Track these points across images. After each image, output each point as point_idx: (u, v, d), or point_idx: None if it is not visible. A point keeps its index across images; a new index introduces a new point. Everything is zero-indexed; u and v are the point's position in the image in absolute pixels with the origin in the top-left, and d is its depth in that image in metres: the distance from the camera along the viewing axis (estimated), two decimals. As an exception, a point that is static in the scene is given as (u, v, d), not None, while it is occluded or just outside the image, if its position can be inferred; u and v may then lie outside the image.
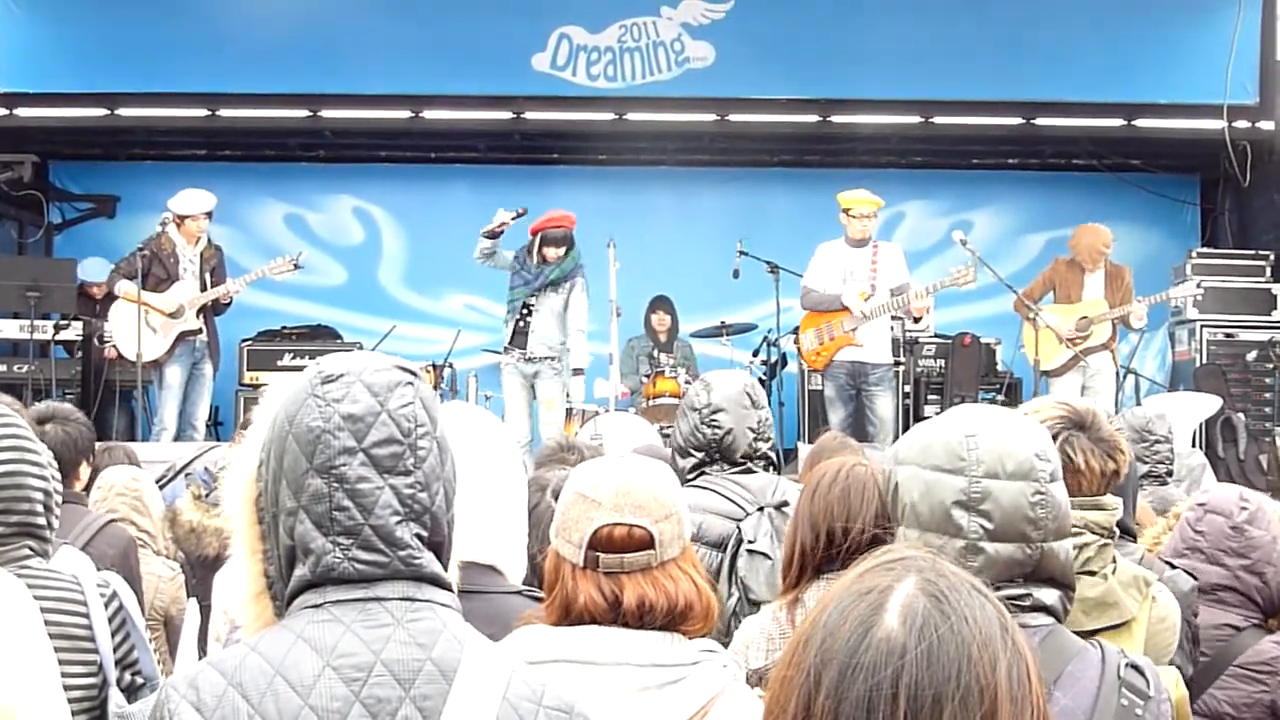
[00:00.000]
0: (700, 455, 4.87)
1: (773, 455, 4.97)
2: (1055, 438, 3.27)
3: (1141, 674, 2.59)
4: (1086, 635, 3.08)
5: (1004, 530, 2.57)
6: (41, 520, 3.23)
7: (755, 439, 4.87)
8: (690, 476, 4.83)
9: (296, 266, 11.65)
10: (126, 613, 3.25)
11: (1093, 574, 3.22)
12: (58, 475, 3.36)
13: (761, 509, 4.47)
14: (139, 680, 3.23)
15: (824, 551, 3.73)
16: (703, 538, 4.51)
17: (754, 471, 4.84)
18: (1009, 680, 1.50)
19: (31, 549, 3.19)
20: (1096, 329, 11.24)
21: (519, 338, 11.16)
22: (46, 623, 3.04)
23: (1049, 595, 2.64)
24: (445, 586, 2.15)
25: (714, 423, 4.83)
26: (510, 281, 11.24)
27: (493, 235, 11.05)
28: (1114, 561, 3.33)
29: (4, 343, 12.84)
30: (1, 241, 14.20)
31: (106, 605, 3.18)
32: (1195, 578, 4.01)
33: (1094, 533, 3.24)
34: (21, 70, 13.56)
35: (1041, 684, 1.56)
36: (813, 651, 1.54)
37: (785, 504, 4.42)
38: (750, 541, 4.34)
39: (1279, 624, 4.31)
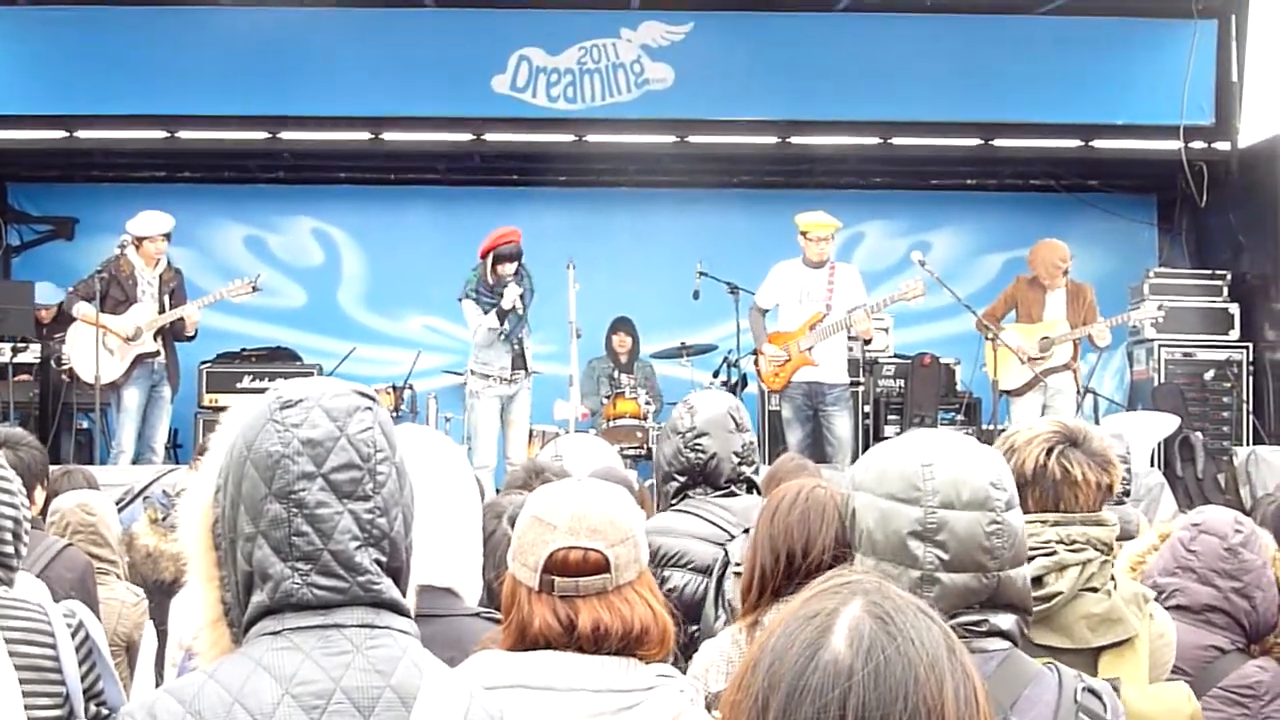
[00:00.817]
0: (684, 479, 4.81)
1: (755, 478, 4.91)
2: (1050, 453, 3.31)
3: (1099, 698, 2.59)
4: (1093, 653, 3.11)
5: (960, 560, 2.57)
6: (10, 549, 3.22)
7: (740, 463, 4.82)
8: (674, 500, 4.78)
9: (255, 289, 11.58)
10: (93, 643, 3.21)
11: (1095, 590, 3.24)
12: (26, 503, 3.35)
13: (747, 531, 4.39)
14: (104, 711, 3.20)
15: (783, 574, 3.73)
16: (689, 564, 4.47)
17: (737, 495, 4.79)
18: (956, 701, 1.51)
19: None
20: (1058, 349, 11.26)
21: (520, 360, 11.08)
22: (12, 654, 3.01)
23: (1005, 620, 2.63)
24: (404, 613, 2.15)
25: (698, 447, 4.77)
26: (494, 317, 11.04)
27: (503, 314, 10.90)
28: (1113, 579, 3.34)
29: (-40, 366, 12.77)
30: (-42, 264, 14.13)
31: (73, 635, 3.14)
32: (1158, 593, 4.03)
33: (1095, 549, 3.26)
34: (-22, 92, 13.50)
35: (990, 705, 1.57)
36: (761, 675, 1.55)
37: None
38: (737, 564, 4.23)
39: (1260, 650, 4.33)
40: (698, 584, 4.42)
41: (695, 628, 4.35)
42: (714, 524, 4.62)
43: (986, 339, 11.26)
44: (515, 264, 10.95)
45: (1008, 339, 11.12)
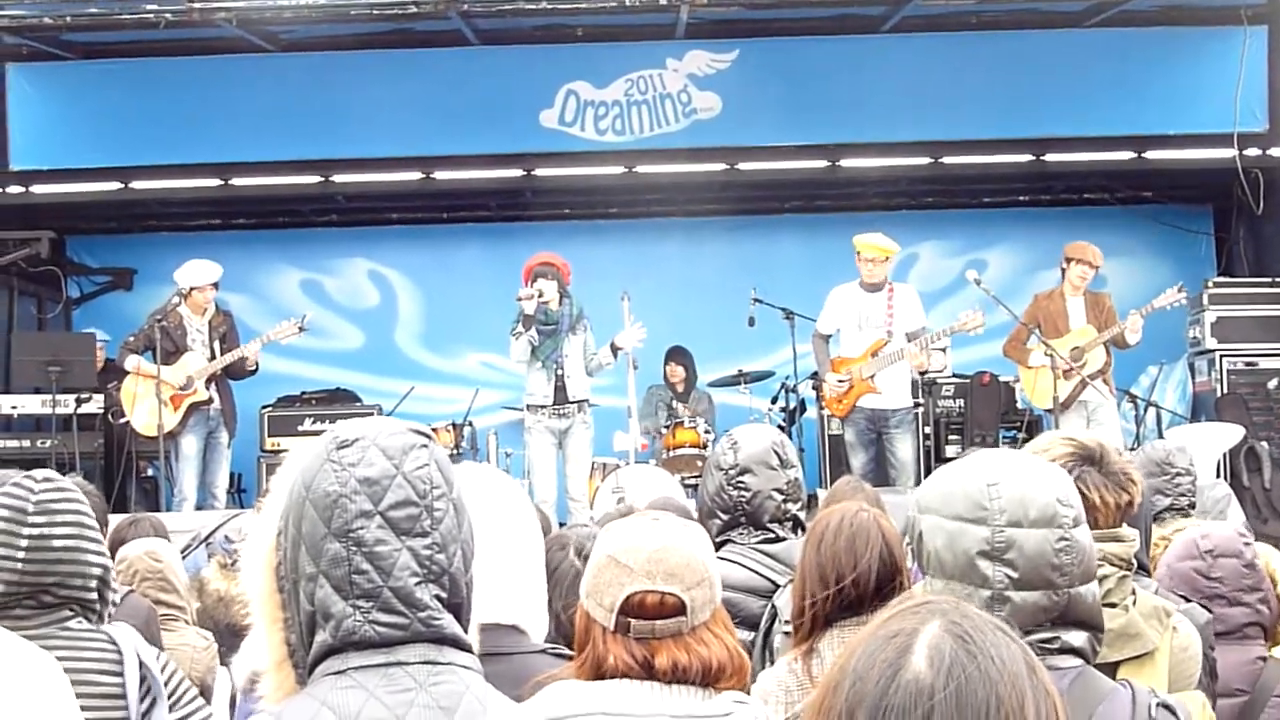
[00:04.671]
0: (726, 518, 4.70)
1: (801, 515, 4.78)
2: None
3: (1173, 714, 2.58)
4: (1110, 667, 3.09)
5: (1029, 578, 2.57)
6: (92, 595, 3.32)
7: (784, 500, 4.70)
8: (718, 540, 4.64)
9: (301, 329, 11.64)
10: (147, 669, 3.31)
11: (1113, 606, 3.21)
12: (106, 552, 3.44)
13: (793, 581, 4.37)
14: None
15: (833, 601, 3.72)
16: (737, 619, 4.36)
17: (782, 539, 4.67)
18: (1037, 719, 1.50)
19: (74, 612, 3.26)
20: (1090, 356, 11.12)
21: (560, 393, 11.03)
22: (85, 682, 3.12)
23: (1077, 637, 2.63)
24: (466, 648, 2.15)
25: (740, 484, 4.66)
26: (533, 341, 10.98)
27: (529, 321, 10.84)
28: (1133, 593, 3.33)
29: (27, 418, 12.92)
30: (21, 317, 14.27)
31: (140, 666, 3.26)
32: (1211, 611, 4.03)
33: (1113, 565, 3.23)
34: (36, 148, 13.68)
35: None
36: (842, 696, 1.53)
37: None
38: (786, 621, 4.17)
39: (1274, 642, 4.40)
40: (746, 639, 4.35)
41: None
42: (758, 574, 4.54)
43: (1021, 364, 11.25)
44: (554, 282, 10.92)
45: (1038, 360, 11.04)
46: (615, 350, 11.05)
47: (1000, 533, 2.57)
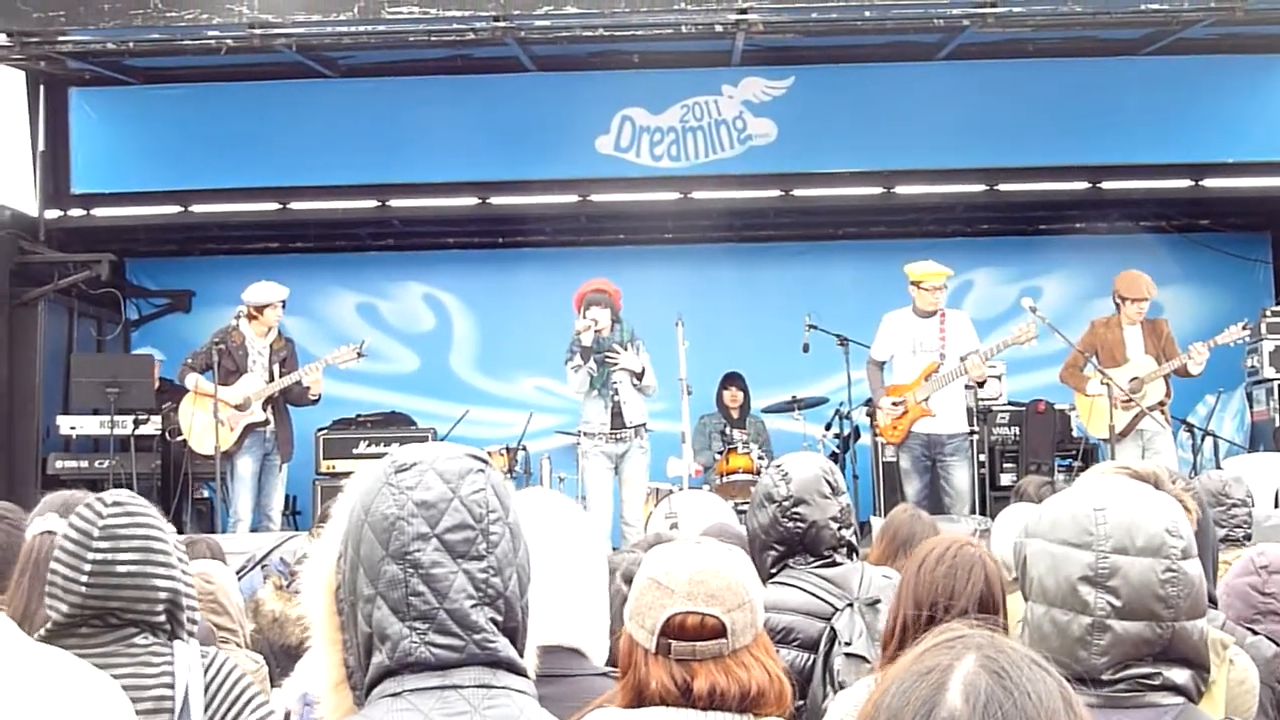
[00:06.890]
0: (782, 549, 4.63)
1: (854, 540, 4.72)
2: None
3: None
4: None
5: (1132, 608, 2.51)
6: (160, 619, 3.37)
7: (840, 527, 4.64)
8: (772, 570, 4.61)
9: (360, 355, 11.63)
10: (191, 691, 3.36)
11: None
12: (187, 574, 3.48)
13: (851, 604, 4.32)
14: None
15: (924, 628, 3.71)
16: (795, 641, 4.37)
17: (838, 563, 4.62)
18: None
19: (140, 629, 3.32)
20: (1149, 388, 11.01)
21: (617, 419, 10.98)
22: (146, 698, 3.20)
23: (1180, 675, 2.56)
24: (521, 672, 2.16)
25: (796, 516, 4.58)
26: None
27: (587, 352, 10.81)
28: None
29: (85, 439, 13.03)
30: (81, 339, 14.37)
31: (187, 680, 3.32)
32: (1277, 643, 4.00)
33: None
34: (97, 171, 13.87)
35: None
36: None
37: (878, 601, 4.28)
38: (847, 643, 4.19)
39: None
40: (805, 660, 4.35)
41: (801, 702, 4.27)
42: (818, 597, 4.49)
43: (1078, 390, 11.17)
44: (606, 310, 10.92)
45: (1095, 388, 10.94)
46: (635, 375, 10.99)
47: (1104, 559, 2.52)
